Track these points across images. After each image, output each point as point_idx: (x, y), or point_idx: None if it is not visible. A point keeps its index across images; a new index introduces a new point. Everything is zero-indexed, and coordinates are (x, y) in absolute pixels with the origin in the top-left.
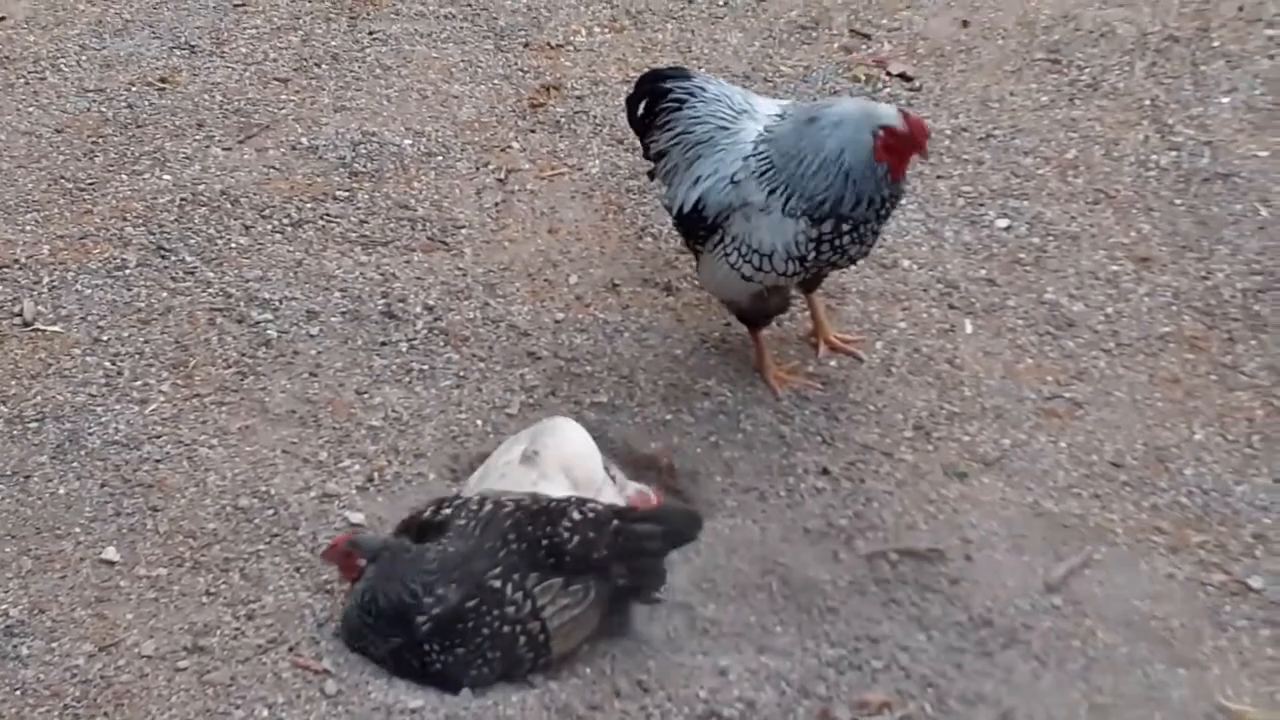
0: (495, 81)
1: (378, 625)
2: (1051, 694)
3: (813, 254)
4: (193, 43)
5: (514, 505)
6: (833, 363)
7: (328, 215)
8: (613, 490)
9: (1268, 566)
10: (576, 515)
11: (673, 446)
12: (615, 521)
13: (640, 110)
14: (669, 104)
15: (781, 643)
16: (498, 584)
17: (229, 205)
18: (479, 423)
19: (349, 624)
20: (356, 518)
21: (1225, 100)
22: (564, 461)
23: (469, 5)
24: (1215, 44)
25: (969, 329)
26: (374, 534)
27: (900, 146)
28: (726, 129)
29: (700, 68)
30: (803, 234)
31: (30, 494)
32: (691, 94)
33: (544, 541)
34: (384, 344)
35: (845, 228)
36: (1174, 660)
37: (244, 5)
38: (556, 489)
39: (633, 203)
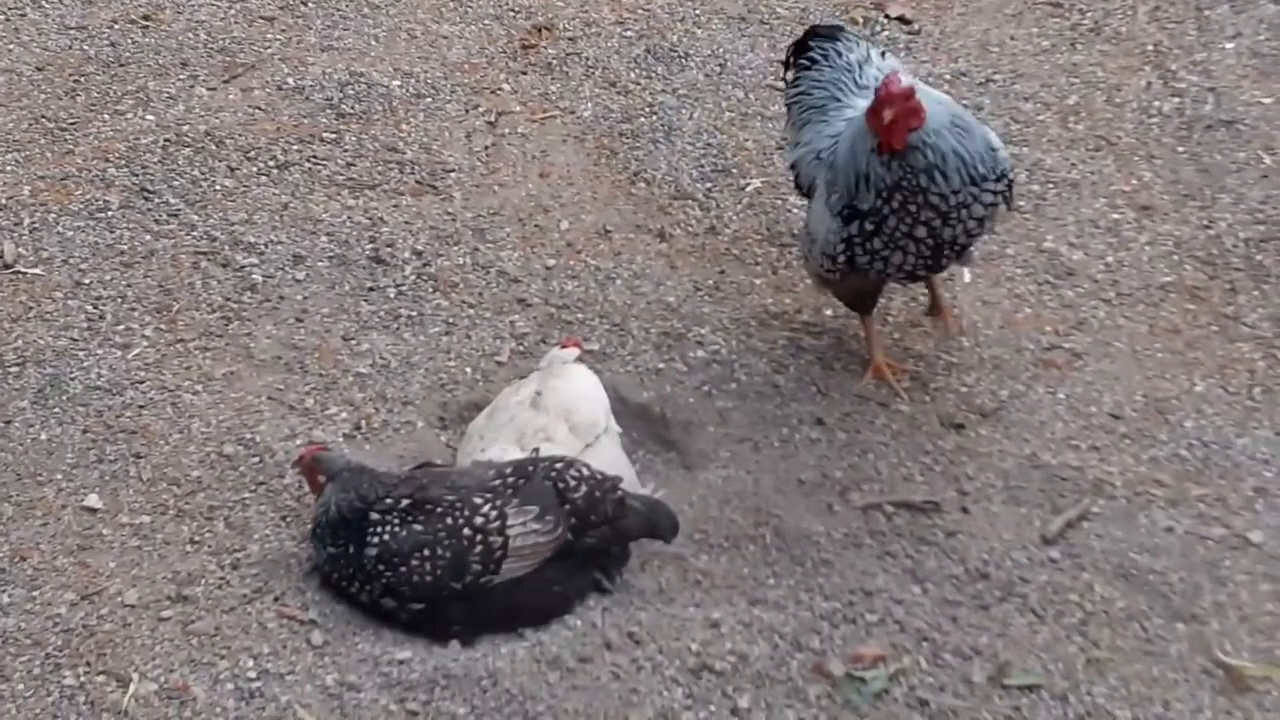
0: (486, 21)
1: (322, 534)
2: (1048, 648)
3: (843, 256)
4: None
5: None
6: (827, 311)
7: (314, 157)
8: (610, 441)
9: (1268, 520)
10: (585, 470)
11: (665, 395)
12: (619, 491)
13: (787, 59)
14: (803, 61)
15: (775, 595)
16: (477, 499)
17: (213, 146)
18: (468, 370)
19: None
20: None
21: (1230, 46)
22: (566, 404)
23: None
24: None
25: (967, 278)
26: (340, 455)
27: (878, 106)
28: (839, 101)
29: (695, 8)
30: (834, 233)
31: (11, 439)
32: (825, 56)
33: (546, 482)
34: (372, 289)
35: (869, 228)
36: (1172, 614)
37: None
38: (557, 431)
39: (625, 147)
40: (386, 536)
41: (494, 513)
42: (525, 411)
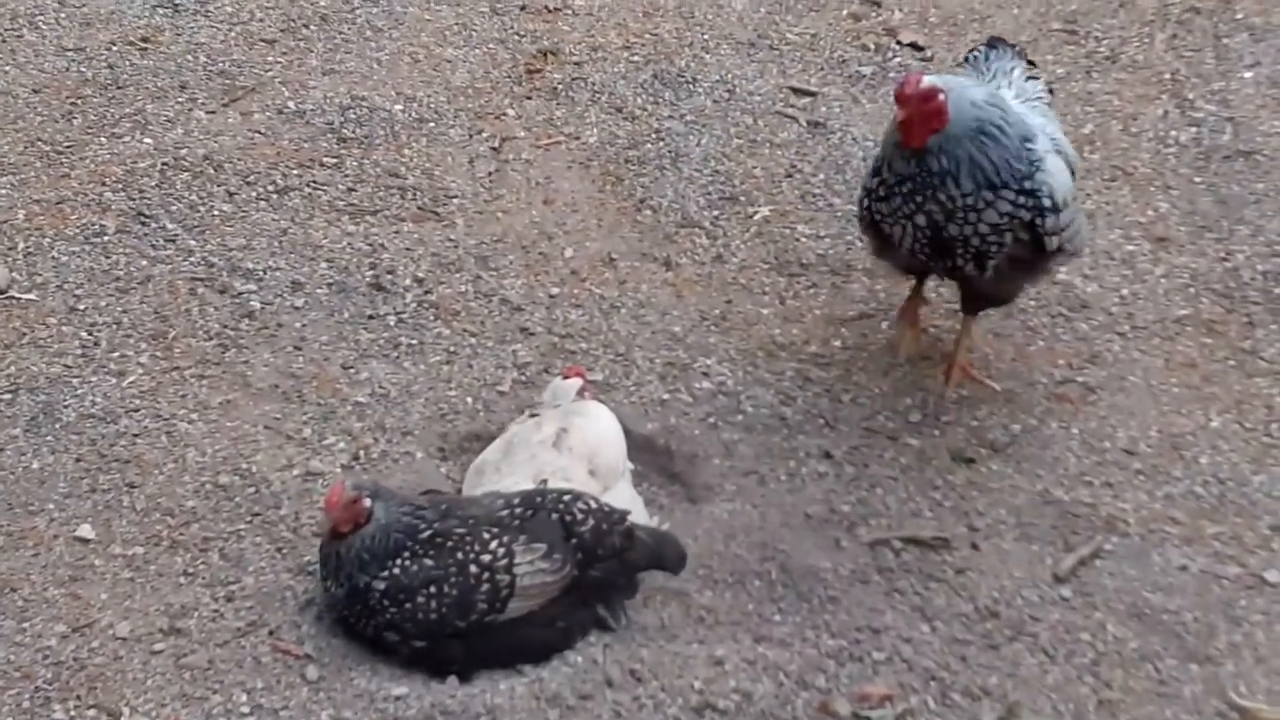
0: (490, 46)
1: (362, 563)
2: (1059, 688)
3: (865, 202)
4: (176, 1)
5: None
6: (835, 343)
7: (314, 182)
8: (625, 482)
9: None
10: (592, 503)
11: (670, 427)
12: (627, 522)
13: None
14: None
15: (780, 632)
16: (486, 533)
17: (212, 171)
18: (469, 400)
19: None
20: None
21: (1248, 74)
22: (590, 448)
23: None
24: (1239, 16)
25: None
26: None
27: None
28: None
29: (703, 33)
30: (864, 179)
31: (2, 468)
32: (972, 60)
33: (553, 516)
34: (371, 317)
35: (881, 192)
36: (1186, 655)
37: None
38: (577, 473)
39: (631, 173)
40: (398, 570)
41: (501, 550)
42: (547, 451)
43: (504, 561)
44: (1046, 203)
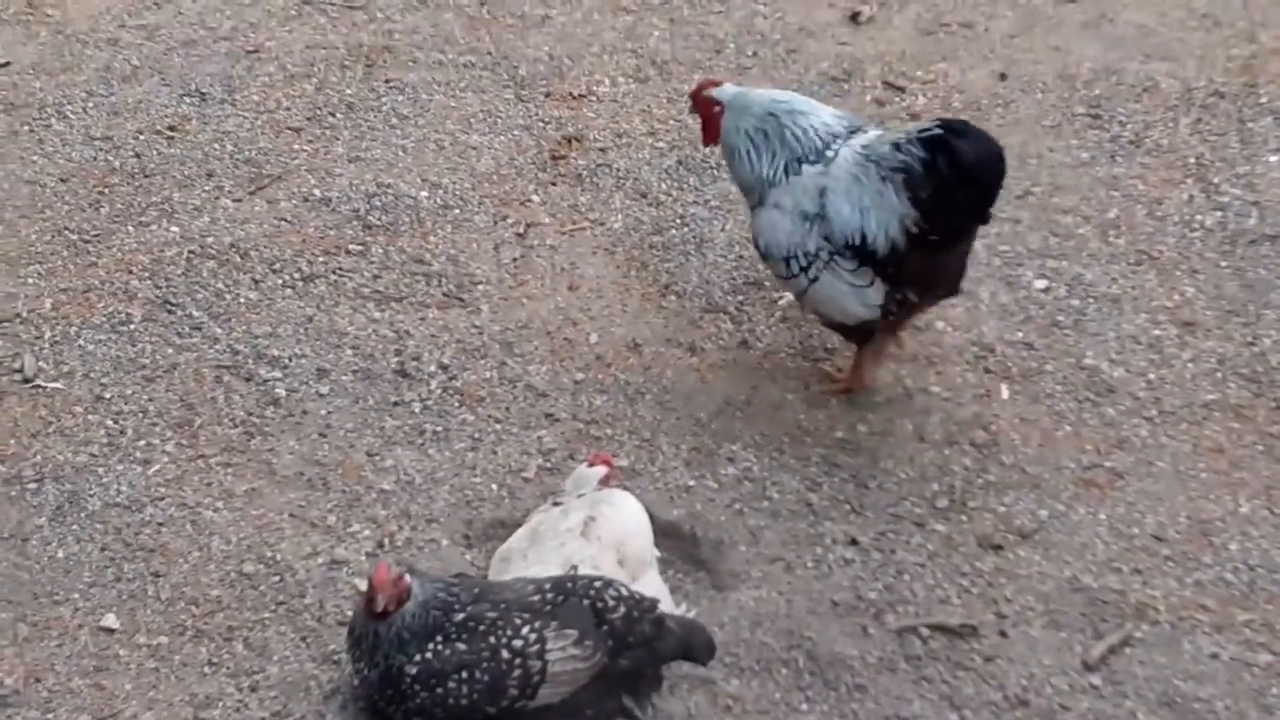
0: (515, 132)
1: (400, 643)
2: None
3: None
4: (203, 90)
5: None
6: (861, 428)
7: (340, 269)
8: (652, 571)
9: None
10: (623, 590)
11: (696, 513)
12: (657, 610)
13: None
14: None
15: None
16: (518, 618)
17: (238, 259)
18: (494, 487)
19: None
20: (364, 584)
21: (1274, 159)
22: (618, 537)
23: (489, 54)
24: (1263, 100)
25: (1005, 394)
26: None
27: None
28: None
29: None
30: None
31: (28, 557)
32: None
33: (584, 602)
34: (396, 404)
35: None
36: None
37: (257, 52)
38: (606, 561)
39: (656, 259)
40: (430, 655)
41: (534, 635)
42: (575, 540)
43: (536, 647)
44: (760, 245)
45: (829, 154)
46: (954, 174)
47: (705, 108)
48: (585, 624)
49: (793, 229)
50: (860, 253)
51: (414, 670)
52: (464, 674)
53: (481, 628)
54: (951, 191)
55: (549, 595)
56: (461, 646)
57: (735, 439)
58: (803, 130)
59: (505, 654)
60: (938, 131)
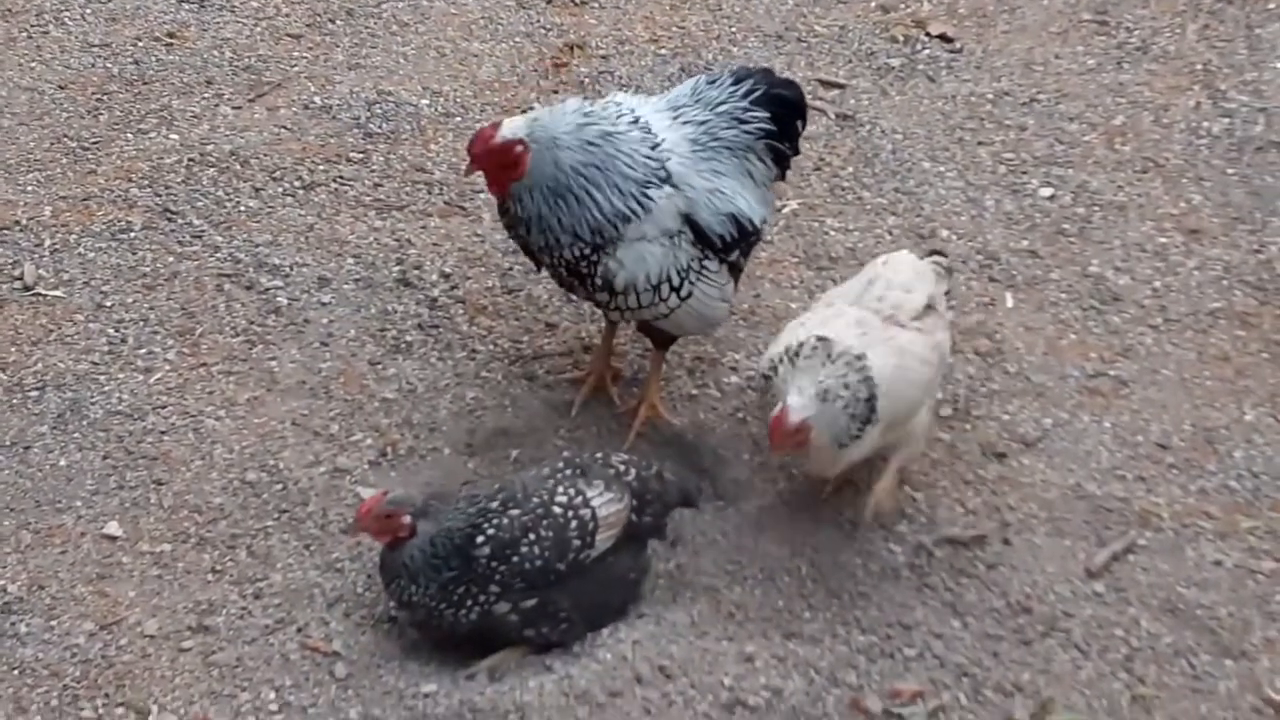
0: (517, 39)
1: (432, 568)
2: (1092, 684)
3: None
4: None
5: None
6: None
7: (341, 178)
8: (937, 319)
9: None
10: (625, 455)
11: (699, 422)
12: (661, 470)
13: None
14: None
15: (810, 629)
16: (545, 484)
17: (238, 167)
18: (496, 395)
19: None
20: (368, 493)
21: None
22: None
23: None
24: (1271, 5)
25: (1010, 303)
26: (405, 492)
27: None
28: None
29: (731, 26)
30: None
31: (30, 465)
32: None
33: (596, 466)
34: (398, 313)
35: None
36: (1221, 651)
37: None
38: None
39: None
40: (492, 531)
41: (573, 490)
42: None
43: (580, 499)
44: (618, 285)
45: (663, 168)
46: (795, 111)
47: (504, 155)
48: (608, 476)
49: (663, 252)
50: (725, 247)
51: (486, 550)
52: (531, 535)
53: (521, 495)
54: (798, 126)
55: (562, 469)
56: (516, 511)
57: (738, 347)
58: (628, 154)
59: (556, 509)
60: (762, 87)
